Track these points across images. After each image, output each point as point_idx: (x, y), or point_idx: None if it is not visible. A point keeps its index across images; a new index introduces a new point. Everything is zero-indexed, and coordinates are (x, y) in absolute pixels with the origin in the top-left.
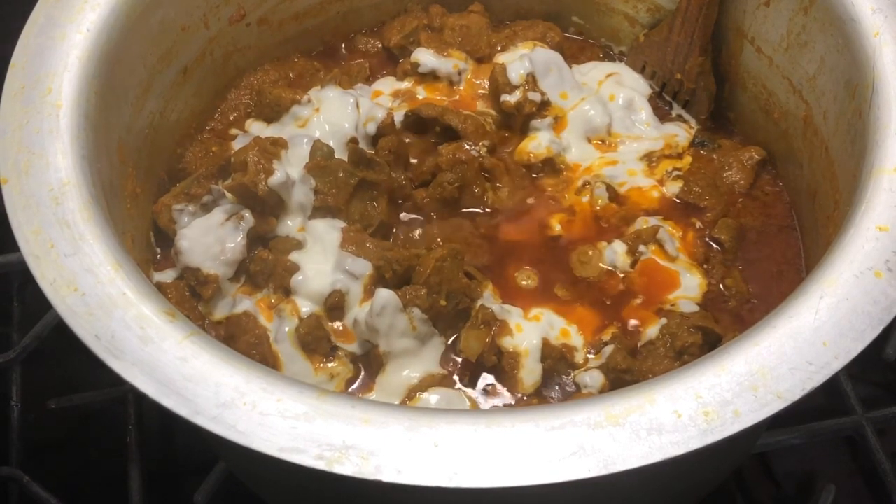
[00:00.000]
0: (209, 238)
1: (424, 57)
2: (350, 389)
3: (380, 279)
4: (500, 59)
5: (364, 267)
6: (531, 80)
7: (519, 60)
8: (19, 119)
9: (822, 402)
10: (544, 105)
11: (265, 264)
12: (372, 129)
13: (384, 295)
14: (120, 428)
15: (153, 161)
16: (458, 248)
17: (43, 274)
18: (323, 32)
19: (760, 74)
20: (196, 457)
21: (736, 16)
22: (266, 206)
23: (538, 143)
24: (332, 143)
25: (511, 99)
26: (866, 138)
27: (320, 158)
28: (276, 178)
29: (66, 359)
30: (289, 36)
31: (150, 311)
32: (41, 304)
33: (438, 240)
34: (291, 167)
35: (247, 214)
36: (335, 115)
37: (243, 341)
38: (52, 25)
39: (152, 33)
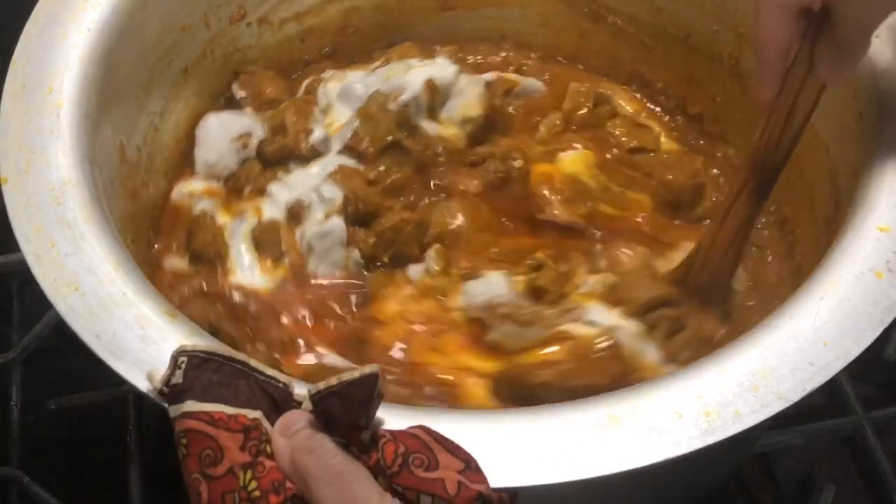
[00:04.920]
0: (215, 143)
1: None
2: None
3: (344, 210)
4: None
5: (335, 194)
6: None
7: None
8: (20, 118)
9: (823, 402)
10: None
11: (251, 174)
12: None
13: (336, 223)
14: (120, 428)
15: (153, 161)
16: (428, 219)
17: (43, 273)
18: (324, 32)
19: None
20: None
21: (737, 18)
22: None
23: None
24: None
25: None
26: (866, 139)
27: (373, 107)
28: (315, 136)
29: (66, 359)
30: (290, 35)
31: (151, 311)
32: (41, 304)
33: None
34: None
35: (256, 142)
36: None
37: (200, 238)
38: (53, 24)
39: (153, 33)
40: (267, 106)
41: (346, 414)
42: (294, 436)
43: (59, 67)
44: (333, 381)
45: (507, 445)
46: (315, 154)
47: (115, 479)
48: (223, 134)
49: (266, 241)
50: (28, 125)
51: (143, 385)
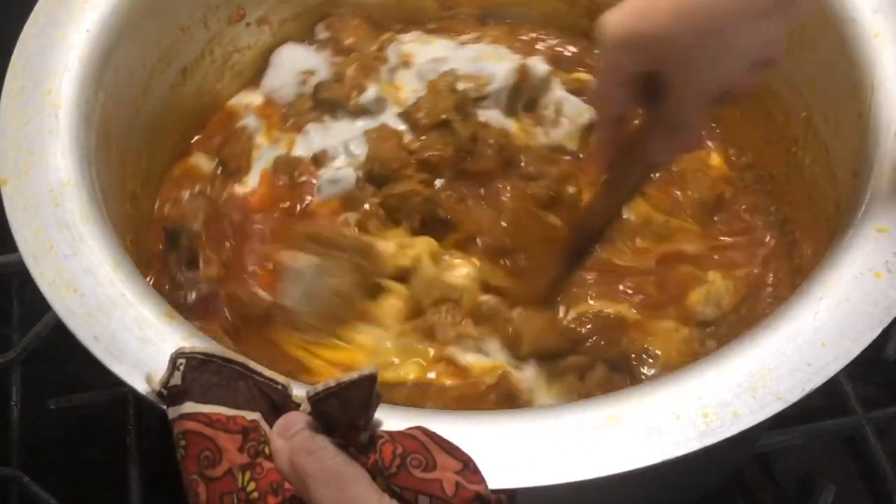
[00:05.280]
0: (282, 72)
1: None
2: None
3: (363, 167)
4: None
5: (361, 151)
6: None
7: None
8: (19, 119)
9: (823, 402)
10: None
11: (301, 109)
12: None
13: (348, 173)
14: (120, 428)
15: (153, 161)
16: (447, 196)
17: (42, 275)
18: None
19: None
20: None
21: None
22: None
23: None
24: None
25: None
26: (866, 139)
27: (442, 83)
28: (367, 95)
29: (66, 359)
30: (290, 35)
31: (150, 313)
32: (41, 304)
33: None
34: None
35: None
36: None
37: (229, 149)
38: (52, 25)
39: (152, 33)
40: (343, 53)
41: (344, 415)
42: (293, 437)
43: (58, 68)
44: (332, 382)
45: (505, 446)
46: (362, 112)
47: (115, 479)
48: (292, 65)
49: (282, 172)
50: (27, 126)
51: (141, 387)
